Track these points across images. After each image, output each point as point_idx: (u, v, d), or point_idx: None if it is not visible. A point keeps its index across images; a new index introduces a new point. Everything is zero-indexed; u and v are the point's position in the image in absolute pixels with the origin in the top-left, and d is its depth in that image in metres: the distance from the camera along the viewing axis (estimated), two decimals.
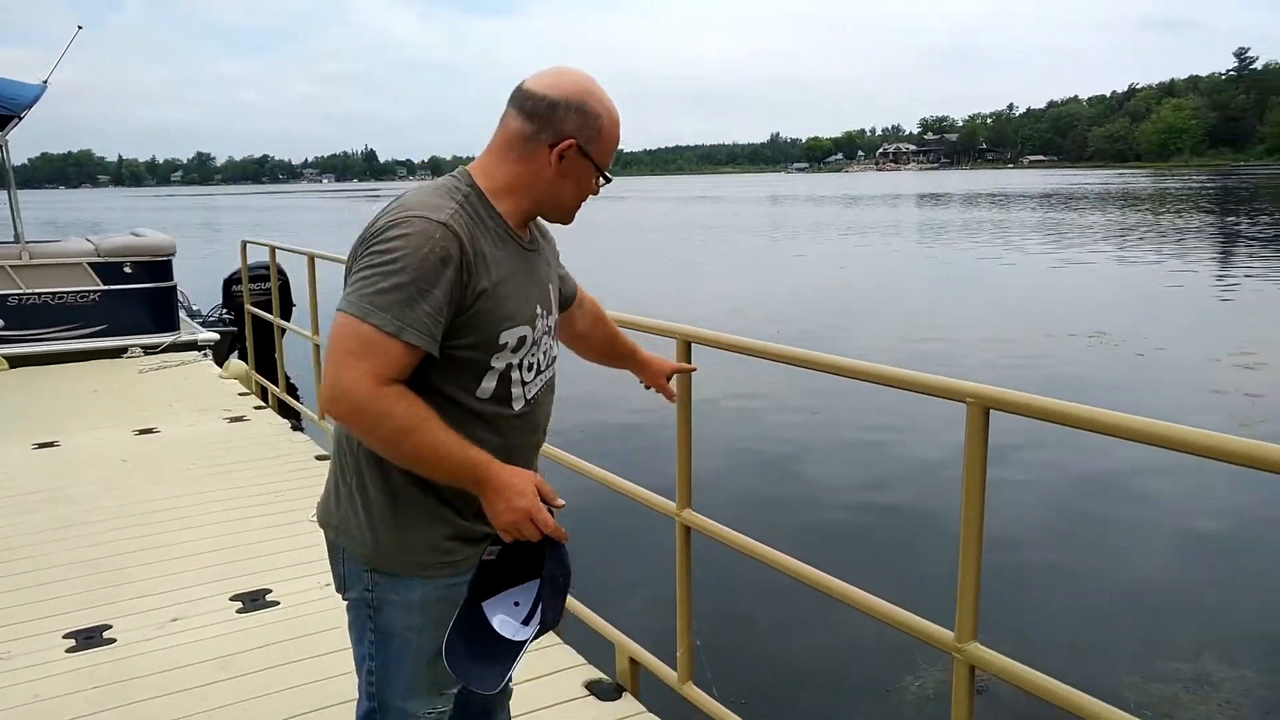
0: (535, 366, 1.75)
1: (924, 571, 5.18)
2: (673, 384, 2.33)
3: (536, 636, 1.75)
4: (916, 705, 4.04)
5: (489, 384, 1.66)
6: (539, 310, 1.74)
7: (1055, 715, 3.94)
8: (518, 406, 1.72)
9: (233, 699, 2.91)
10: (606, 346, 2.24)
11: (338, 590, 1.78)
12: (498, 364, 1.65)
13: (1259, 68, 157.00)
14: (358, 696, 1.84)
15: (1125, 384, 9.92)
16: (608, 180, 1.75)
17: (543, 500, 1.65)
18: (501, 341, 1.64)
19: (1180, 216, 37.37)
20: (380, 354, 1.51)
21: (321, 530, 1.78)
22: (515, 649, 1.73)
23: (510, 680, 1.78)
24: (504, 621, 1.73)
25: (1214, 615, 4.98)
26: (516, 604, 1.75)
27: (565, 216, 1.76)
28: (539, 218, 1.81)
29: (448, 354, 1.59)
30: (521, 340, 1.68)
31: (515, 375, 1.70)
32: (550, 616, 1.73)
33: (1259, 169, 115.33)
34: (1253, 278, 18.53)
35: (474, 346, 1.62)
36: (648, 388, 2.30)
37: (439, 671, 1.71)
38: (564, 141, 1.65)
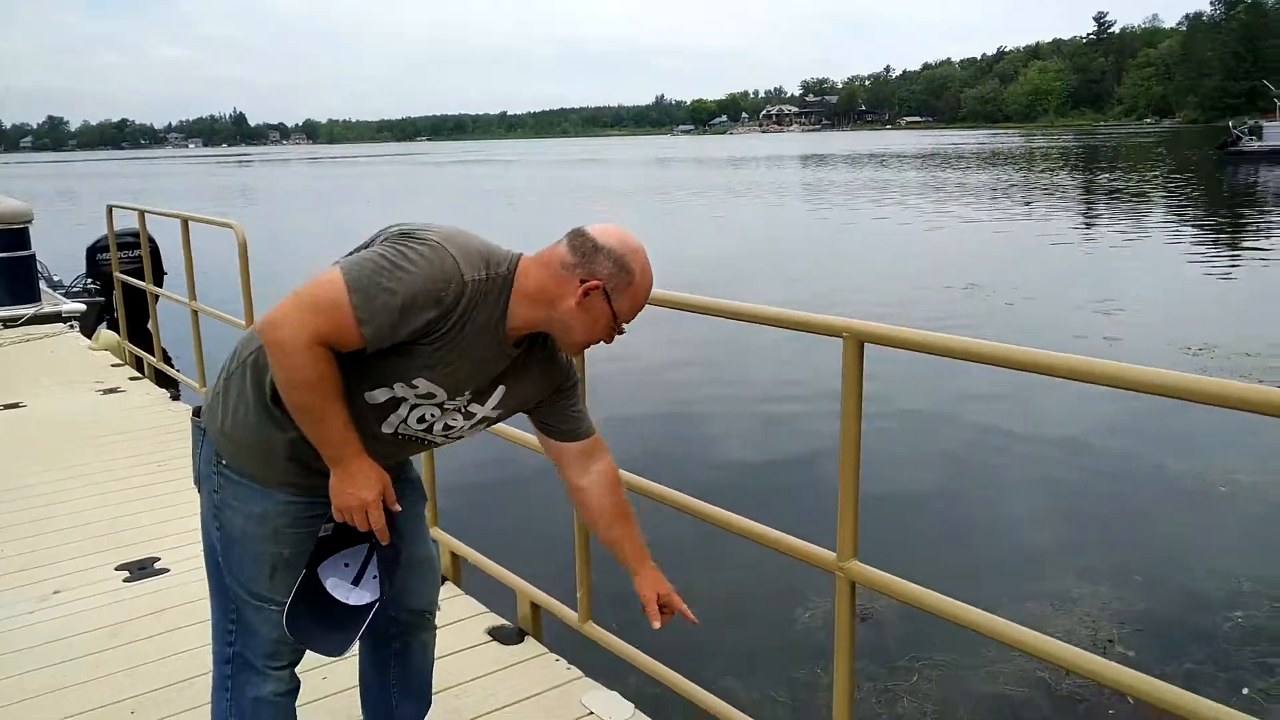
0: (427, 423, 1.83)
1: (809, 501, 5.44)
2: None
3: (377, 607, 1.88)
4: (806, 628, 4.25)
5: (379, 396, 1.76)
6: (470, 395, 1.82)
7: (934, 631, 4.20)
8: (385, 430, 1.81)
9: (124, 665, 2.86)
10: (611, 520, 2.07)
11: (195, 484, 1.90)
12: (398, 391, 1.75)
13: (1116, 32, 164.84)
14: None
15: (994, 330, 10.45)
16: (621, 332, 1.83)
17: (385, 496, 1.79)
18: (414, 382, 1.74)
19: (1047, 175, 39.19)
20: (336, 322, 1.61)
21: None
22: (359, 615, 1.86)
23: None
24: (336, 584, 1.86)
25: (1077, 539, 5.37)
26: (346, 565, 1.87)
27: (570, 348, 1.85)
28: (556, 343, 1.90)
29: (372, 356, 1.69)
30: (430, 395, 1.77)
31: (402, 413, 1.79)
32: (384, 590, 1.88)
33: (1117, 128, 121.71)
34: (1115, 231, 19.66)
35: (393, 369, 1.72)
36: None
37: (280, 580, 1.83)
38: (593, 281, 1.73)
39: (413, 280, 1.62)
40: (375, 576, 1.87)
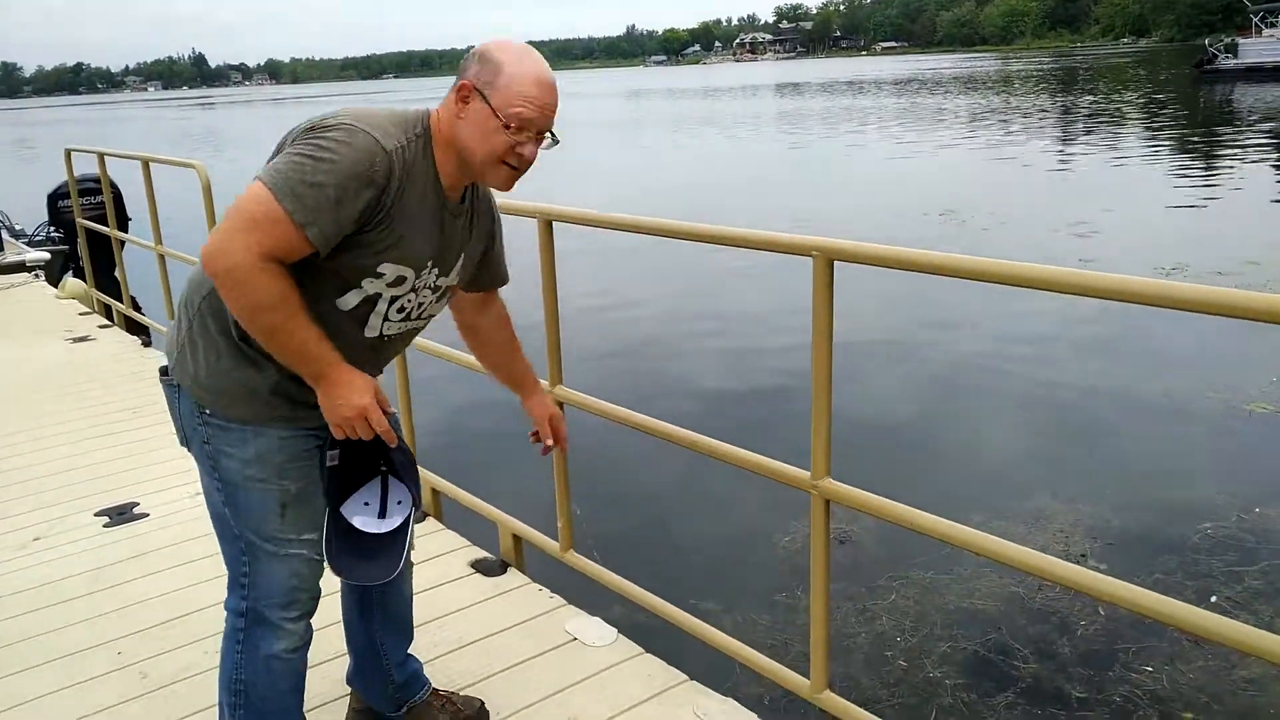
0: (405, 311, 1.80)
1: (783, 423, 5.50)
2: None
3: (415, 514, 1.87)
4: (787, 547, 4.32)
5: (351, 299, 1.71)
6: (430, 265, 1.78)
7: (910, 549, 4.28)
8: (369, 335, 1.78)
9: (109, 608, 2.87)
10: (500, 353, 2.19)
11: (181, 444, 1.84)
12: (367, 286, 1.71)
13: None
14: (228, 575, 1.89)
15: (970, 253, 10.46)
16: (535, 142, 1.71)
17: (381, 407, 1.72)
18: (380, 270, 1.70)
19: (1024, 98, 38.92)
20: (278, 234, 1.56)
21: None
22: (398, 538, 1.83)
23: (405, 563, 1.89)
24: (364, 521, 1.83)
25: (1051, 454, 5.46)
26: (366, 504, 1.85)
27: (487, 177, 1.75)
28: (489, 195, 1.91)
29: (327, 260, 1.64)
30: (400, 279, 1.73)
31: (382, 307, 1.75)
32: (414, 493, 1.85)
33: (1094, 49, 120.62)
34: (1090, 153, 19.61)
35: (354, 263, 1.67)
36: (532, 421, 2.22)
37: (292, 518, 1.80)
38: (461, 83, 1.69)
39: (338, 167, 1.57)
40: (400, 501, 1.86)
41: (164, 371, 1.84)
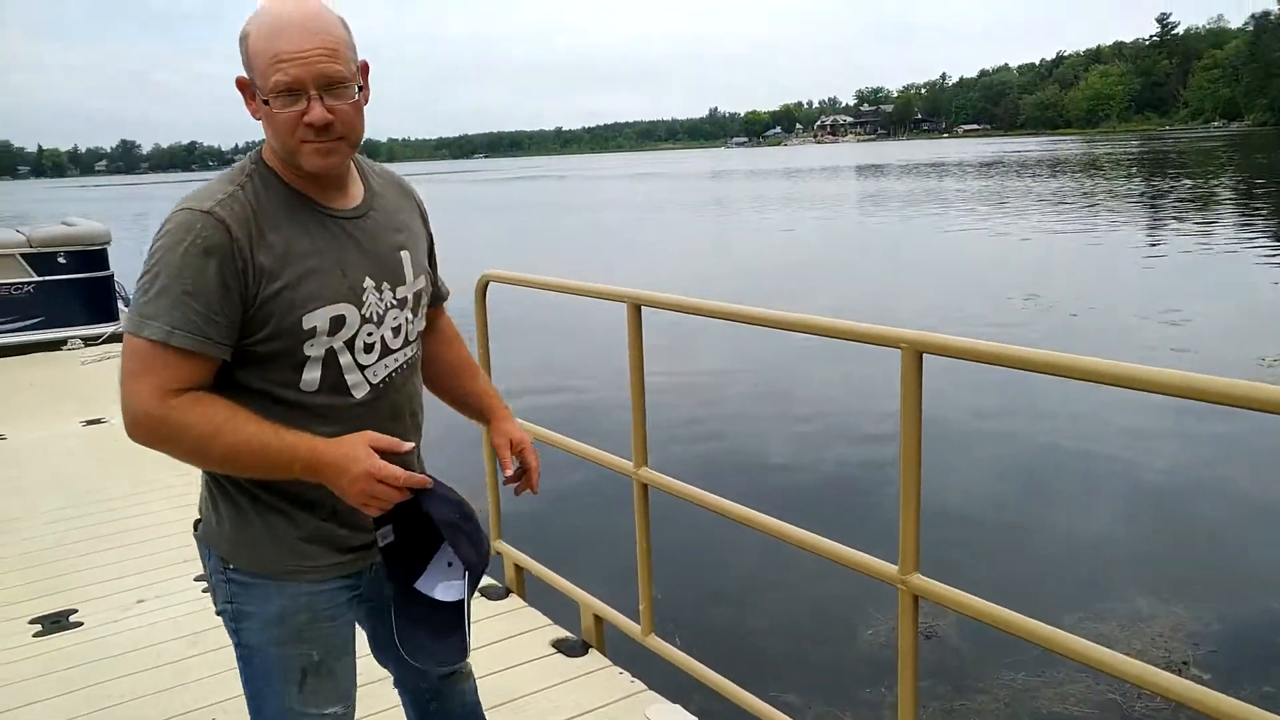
0: (377, 346, 1.59)
1: (870, 514, 5.41)
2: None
3: (473, 588, 1.63)
4: (871, 640, 4.22)
5: (312, 374, 1.52)
6: (369, 282, 1.57)
7: (999, 648, 4.14)
8: (360, 394, 1.57)
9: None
10: (450, 375, 1.92)
11: (217, 612, 1.67)
12: (313, 351, 1.51)
13: (1180, 33, 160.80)
14: None
15: (1059, 341, 10.25)
16: (319, 101, 1.43)
17: (387, 452, 1.48)
18: (308, 326, 1.49)
19: (1111, 181, 38.33)
20: (159, 367, 1.41)
21: None
22: (458, 612, 1.62)
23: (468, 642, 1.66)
24: (447, 587, 1.64)
25: (1147, 553, 5.24)
26: (450, 564, 1.64)
27: (301, 164, 1.48)
28: (391, 178, 1.72)
29: (252, 350, 1.48)
30: (338, 321, 1.52)
31: (346, 360, 1.55)
32: (472, 558, 1.57)
33: (1183, 132, 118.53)
34: (1181, 237, 19.14)
35: (276, 336, 1.48)
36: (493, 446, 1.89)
37: (312, 688, 1.62)
38: (238, 80, 1.49)
39: (165, 261, 1.41)
40: (450, 563, 1.63)
41: (197, 526, 1.70)
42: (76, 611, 3.41)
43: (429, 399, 1.85)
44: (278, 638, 1.60)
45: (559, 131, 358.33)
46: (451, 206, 45.56)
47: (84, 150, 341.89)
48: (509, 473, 1.85)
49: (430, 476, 1.53)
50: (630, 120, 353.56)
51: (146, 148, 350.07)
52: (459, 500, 1.56)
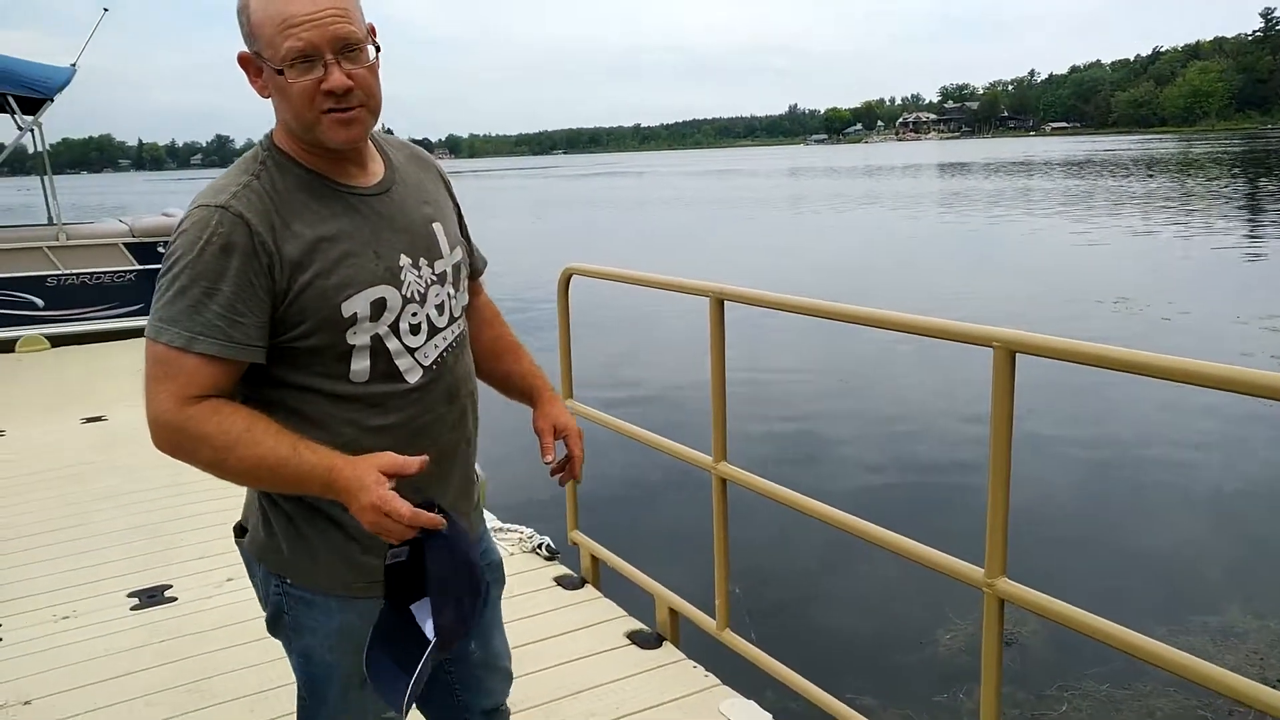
0: (424, 327, 1.50)
1: (953, 515, 5.31)
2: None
3: (437, 653, 1.42)
4: (951, 644, 4.14)
5: (361, 365, 1.45)
6: (404, 260, 1.48)
7: (1084, 657, 4.02)
8: (414, 379, 1.50)
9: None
10: (493, 358, 1.81)
11: (267, 628, 1.61)
12: (357, 340, 1.43)
13: None
14: None
15: (1150, 345, 9.90)
16: (338, 68, 1.36)
17: (398, 476, 1.35)
18: (348, 314, 1.41)
19: (1208, 182, 36.86)
20: (178, 373, 1.34)
21: None
22: (416, 661, 1.41)
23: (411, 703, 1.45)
24: (425, 631, 1.44)
25: (1241, 563, 5.04)
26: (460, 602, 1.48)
27: (321, 138, 1.41)
28: (408, 149, 1.64)
29: (294, 346, 1.41)
30: (379, 305, 1.44)
31: (395, 345, 1.47)
32: (447, 622, 1.39)
33: None
34: None
35: (317, 330, 1.40)
36: (536, 430, 1.77)
37: (370, 695, 1.52)
38: (240, 56, 1.42)
39: (184, 259, 1.34)
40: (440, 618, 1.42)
41: (239, 532, 1.60)
42: (171, 587, 3.55)
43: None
44: (339, 650, 1.54)
45: (637, 128, 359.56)
46: (532, 201, 46.09)
47: (181, 144, 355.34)
48: (549, 459, 1.72)
49: (448, 517, 1.38)
50: (709, 117, 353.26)
51: (239, 142, 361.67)
52: (465, 554, 1.41)
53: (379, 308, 1.43)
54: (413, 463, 1.35)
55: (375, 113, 1.44)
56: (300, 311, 1.39)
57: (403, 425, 1.49)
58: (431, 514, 1.34)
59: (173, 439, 1.35)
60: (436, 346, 1.53)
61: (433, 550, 1.36)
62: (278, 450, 1.34)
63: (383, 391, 1.46)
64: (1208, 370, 1.66)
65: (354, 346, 1.43)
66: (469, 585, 1.43)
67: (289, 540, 1.50)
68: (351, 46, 1.36)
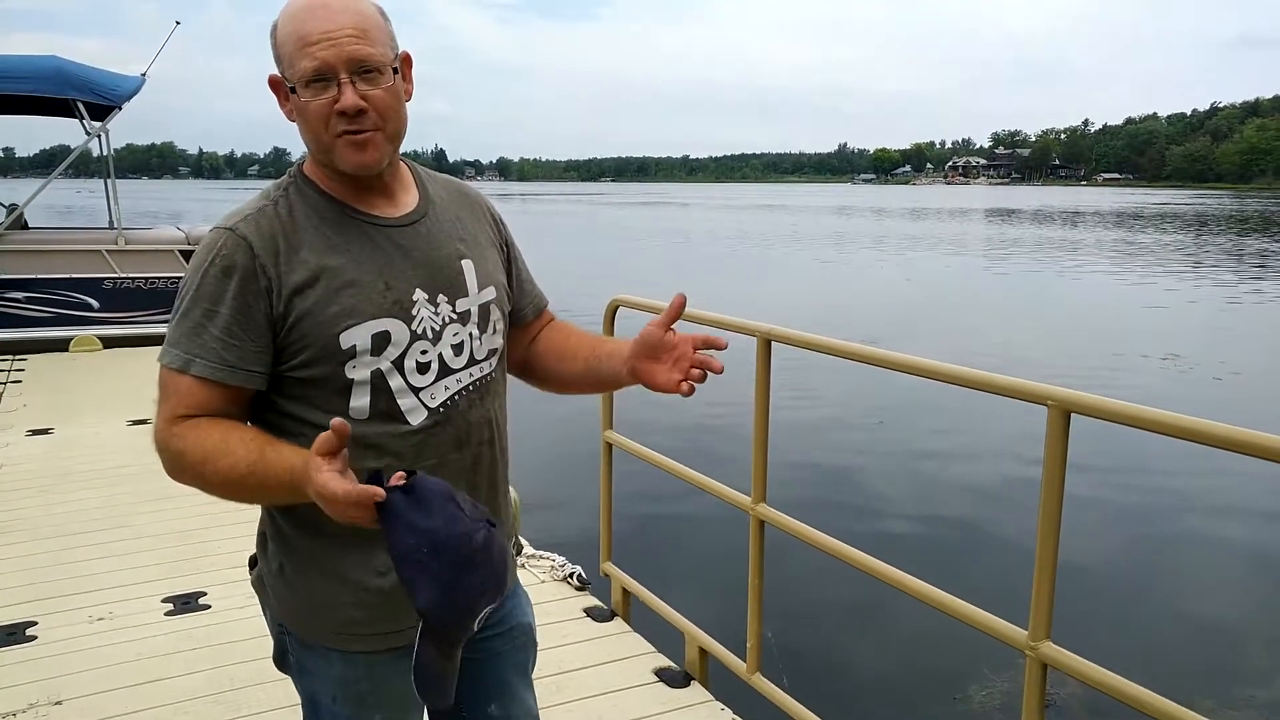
0: (434, 366, 1.43)
1: (997, 573, 5.20)
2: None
3: (435, 638, 1.26)
4: (985, 704, 4.04)
5: (360, 401, 1.38)
6: (419, 295, 1.42)
7: (1121, 718, 3.90)
8: (416, 420, 1.41)
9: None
10: (592, 358, 1.64)
11: (273, 661, 1.59)
12: (356, 374, 1.37)
13: None
14: None
15: (1200, 406, 9.68)
16: (351, 88, 1.32)
17: (335, 450, 1.18)
18: (346, 345, 1.35)
19: (1262, 240, 36.19)
20: (174, 394, 1.33)
21: None
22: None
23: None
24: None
25: None
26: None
27: (337, 161, 1.37)
28: (454, 186, 1.61)
29: (294, 376, 1.37)
30: (382, 338, 1.37)
31: (397, 383, 1.39)
32: (426, 603, 1.20)
33: None
34: None
35: (316, 360, 1.35)
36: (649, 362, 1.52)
37: None
38: (270, 79, 1.40)
39: (191, 281, 1.35)
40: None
41: (251, 564, 1.57)
42: (205, 594, 3.58)
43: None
44: (342, 701, 1.49)
45: (686, 159, 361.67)
46: (579, 229, 46.40)
47: (239, 155, 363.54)
48: (694, 374, 1.47)
49: (415, 485, 1.19)
50: (758, 152, 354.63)
51: (295, 155, 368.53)
52: (433, 524, 1.18)
53: (381, 341, 1.37)
54: (336, 423, 1.18)
55: (394, 138, 1.40)
56: (300, 339, 1.35)
57: (403, 469, 1.35)
58: (362, 487, 1.17)
59: (162, 457, 1.34)
60: (447, 388, 1.45)
61: (385, 522, 1.18)
62: (248, 457, 1.29)
63: (381, 432, 1.39)
64: (1266, 443, 1.62)
65: (353, 381, 1.37)
66: (438, 552, 1.19)
67: (287, 588, 1.47)
68: (368, 68, 1.33)
